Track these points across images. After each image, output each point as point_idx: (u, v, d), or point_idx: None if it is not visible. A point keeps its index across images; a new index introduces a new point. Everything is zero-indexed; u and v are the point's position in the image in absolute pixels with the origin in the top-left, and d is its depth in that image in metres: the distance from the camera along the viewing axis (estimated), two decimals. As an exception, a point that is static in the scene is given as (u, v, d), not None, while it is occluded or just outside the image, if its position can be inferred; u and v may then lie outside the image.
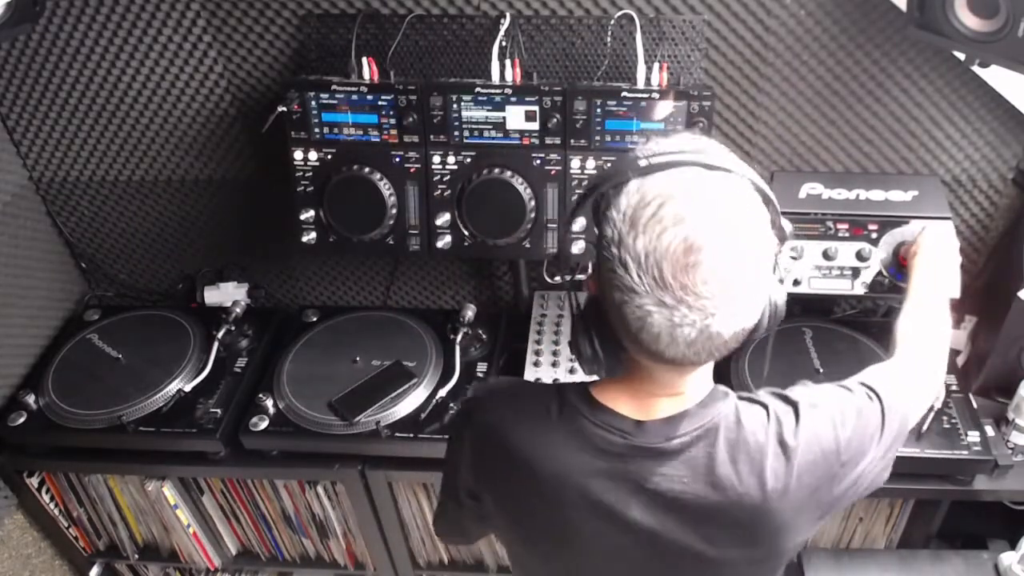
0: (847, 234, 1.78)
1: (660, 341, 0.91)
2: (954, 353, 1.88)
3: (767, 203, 0.96)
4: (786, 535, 1.06)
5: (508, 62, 1.70)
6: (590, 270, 1.08)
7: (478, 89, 1.69)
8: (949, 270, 1.53)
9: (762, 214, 0.94)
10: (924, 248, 1.57)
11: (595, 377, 1.07)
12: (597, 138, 1.70)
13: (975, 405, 1.73)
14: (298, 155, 1.78)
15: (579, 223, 1.78)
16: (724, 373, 1.80)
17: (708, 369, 1.04)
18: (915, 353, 1.29)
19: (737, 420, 1.03)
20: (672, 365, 0.96)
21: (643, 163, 0.93)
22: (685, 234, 0.87)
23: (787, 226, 1.00)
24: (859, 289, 1.75)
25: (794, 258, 1.76)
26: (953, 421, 1.68)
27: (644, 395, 1.04)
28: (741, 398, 1.07)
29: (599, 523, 1.06)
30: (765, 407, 1.05)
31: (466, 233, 1.81)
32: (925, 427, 1.66)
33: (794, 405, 1.06)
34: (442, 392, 1.82)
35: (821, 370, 1.79)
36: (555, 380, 1.84)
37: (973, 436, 1.65)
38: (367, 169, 1.77)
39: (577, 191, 1.76)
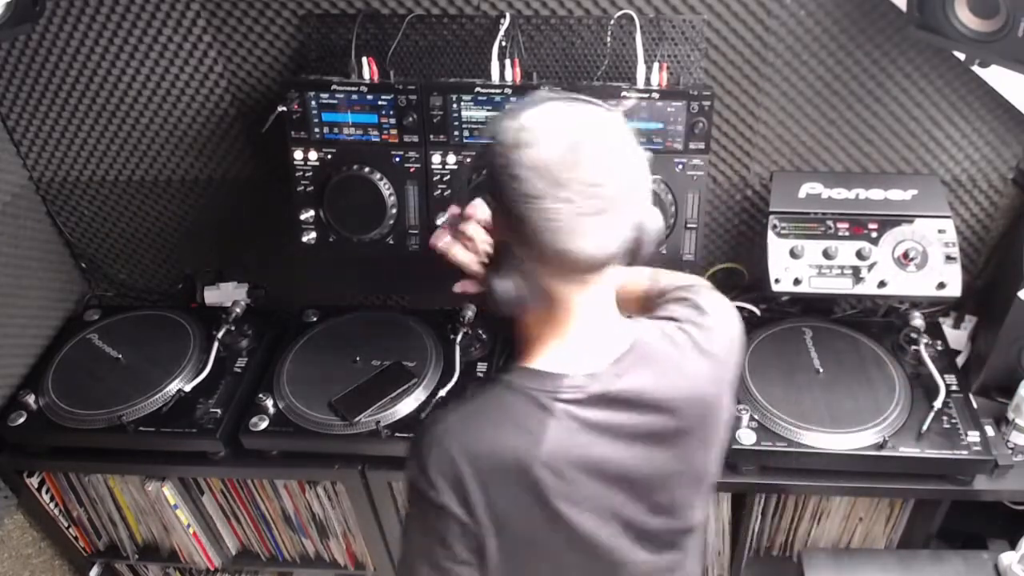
0: (847, 233, 1.78)
1: (565, 235, 0.98)
2: (954, 353, 1.89)
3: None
4: (724, 409, 1.19)
5: (508, 62, 1.70)
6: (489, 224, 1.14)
7: (478, 89, 1.69)
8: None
9: (626, 129, 1.05)
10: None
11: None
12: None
13: (975, 405, 1.73)
14: (298, 155, 1.78)
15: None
16: (724, 373, 1.80)
17: (611, 296, 1.12)
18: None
19: (663, 336, 1.14)
20: (580, 272, 1.03)
21: (513, 113, 1.03)
22: (567, 138, 0.98)
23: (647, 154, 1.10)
24: (859, 289, 1.76)
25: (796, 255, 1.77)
26: (953, 421, 1.68)
27: (578, 347, 1.09)
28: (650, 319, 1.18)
29: (593, 484, 1.08)
30: (675, 319, 1.17)
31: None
32: (925, 427, 1.66)
33: (695, 307, 1.20)
34: (442, 392, 1.82)
35: (821, 370, 1.79)
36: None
37: (973, 436, 1.65)
38: (367, 169, 1.77)
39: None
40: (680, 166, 1.71)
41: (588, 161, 0.97)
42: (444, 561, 1.05)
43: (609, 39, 1.73)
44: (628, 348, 1.10)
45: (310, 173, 1.79)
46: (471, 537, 1.05)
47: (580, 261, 1.01)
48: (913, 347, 1.81)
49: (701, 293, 1.24)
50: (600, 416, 1.07)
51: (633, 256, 1.07)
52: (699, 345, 1.15)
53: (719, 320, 1.20)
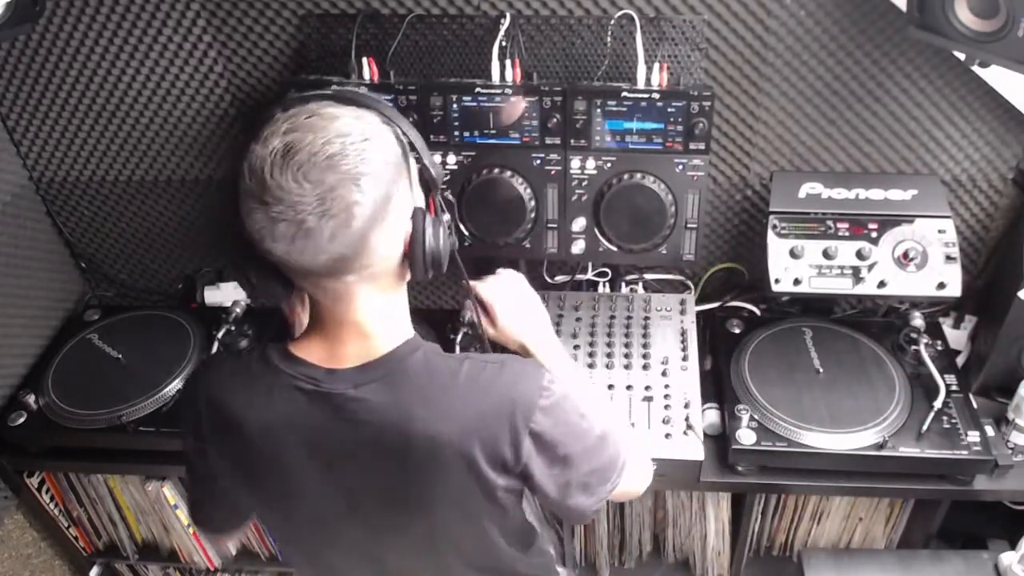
0: (847, 233, 1.78)
1: (264, 238, 0.98)
2: (954, 353, 1.89)
3: (409, 147, 1.06)
4: (463, 470, 1.09)
5: (508, 62, 1.70)
6: None
7: (478, 89, 1.69)
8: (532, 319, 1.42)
9: (383, 138, 1.02)
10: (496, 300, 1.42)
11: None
12: (597, 138, 1.70)
13: (975, 405, 1.72)
14: (298, 155, 1.78)
15: (579, 223, 1.79)
16: (724, 373, 1.80)
17: (393, 313, 1.12)
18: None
19: (427, 364, 1.10)
20: (302, 275, 1.03)
21: (290, 100, 1.03)
22: (290, 139, 0.96)
23: (435, 169, 1.10)
24: (859, 289, 1.76)
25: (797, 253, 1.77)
26: (953, 421, 1.68)
27: (333, 342, 1.10)
28: (439, 354, 1.13)
29: (311, 467, 1.13)
30: (468, 358, 1.12)
31: (466, 233, 1.81)
32: (925, 427, 1.66)
33: (502, 361, 1.13)
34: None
35: (821, 370, 1.79)
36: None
37: (973, 436, 1.65)
38: (367, 169, 1.77)
39: (577, 191, 1.76)
40: (680, 166, 1.71)
41: (294, 168, 0.94)
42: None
43: (609, 39, 1.73)
44: (379, 362, 1.09)
45: (310, 173, 1.79)
46: (204, 459, 1.20)
47: (287, 265, 1.01)
48: (913, 347, 1.81)
49: (514, 359, 1.16)
50: (324, 414, 1.08)
51: (411, 267, 1.08)
52: (461, 390, 1.08)
53: (505, 383, 1.10)
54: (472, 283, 1.39)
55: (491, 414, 1.08)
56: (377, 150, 1.00)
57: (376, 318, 1.10)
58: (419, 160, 1.09)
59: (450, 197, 1.11)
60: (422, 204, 1.11)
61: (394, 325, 1.13)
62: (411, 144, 1.07)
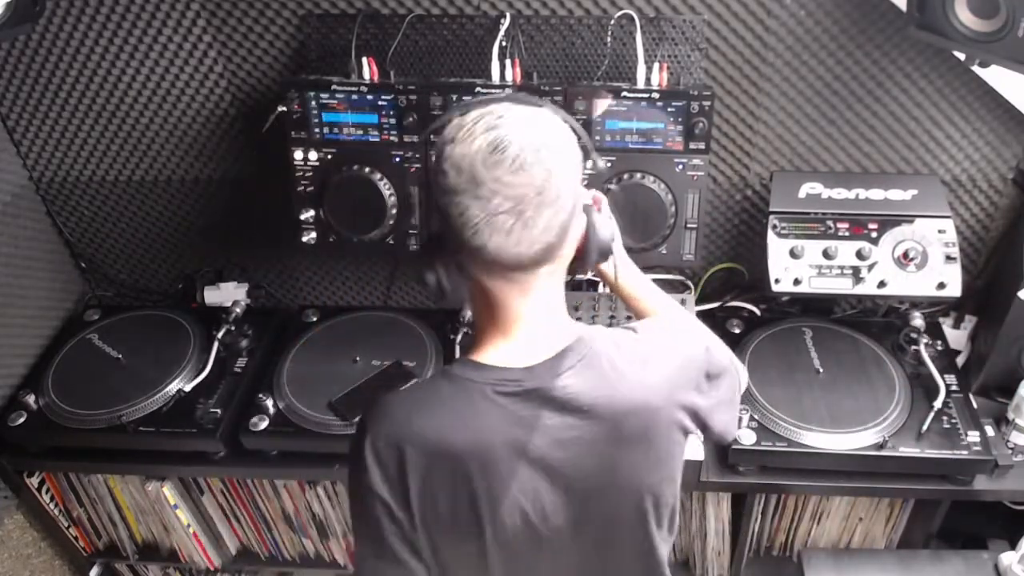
0: (847, 233, 1.78)
1: (481, 232, 0.99)
2: (954, 353, 1.89)
3: (576, 134, 1.08)
4: (674, 427, 1.16)
5: (508, 62, 1.70)
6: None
7: (478, 89, 1.69)
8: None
9: (567, 133, 1.06)
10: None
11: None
12: (597, 138, 1.70)
13: (975, 405, 1.72)
14: (298, 155, 1.78)
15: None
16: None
17: (562, 302, 1.13)
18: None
19: (612, 342, 1.13)
20: (505, 270, 1.04)
21: (462, 106, 1.07)
22: (492, 136, 0.99)
23: (599, 162, 1.14)
24: (859, 289, 1.76)
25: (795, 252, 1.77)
26: (953, 421, 1.68)
27: (521, 339, 1.10)
28: (612, 329, 1.19)
29: (521, 479, 1.09)
30: (634, 329, 1.19)
31: (466, 233, 1.81)
32: (925, 427, 1.66)
33: (659, 323, 1.24)
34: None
35: (821, 370, 1.79)
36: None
37: (973, 436, 1.65)
38: (367, 169, 1.77)
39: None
40: (680, 166, 1.71)
41: (508, 161, 0.98)
42: (383, 557, 1.10)
43: (609, 39, 1.73)
44: (569, 348, 1.10)
45: (310, 173, 1.79)
46: (400, 525, 1.09)
47: (496, 258, 1.02)
48: (913, 347, 1.81)
49: (671, 309, 1.29)
50: (533, 412, 1.08)
51: (580, 261, 1.13)
52: (648, 358, 1.14)
53: (679, 338, 1.21)
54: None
55: (681, 371, 1.16)
56: (570, 144, 1.05)
57: (557, 307, 1.13)
58: (587, 156, 1.12)
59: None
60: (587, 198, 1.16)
61: (565, 313, 1.15)
62: (582, 142, 1.10)
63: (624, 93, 1.66)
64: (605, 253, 1.17)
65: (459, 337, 1.92)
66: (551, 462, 1.10)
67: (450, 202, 1.00)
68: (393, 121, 1.73)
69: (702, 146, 1.69)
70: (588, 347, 1.11)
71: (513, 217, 0.98)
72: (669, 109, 1.66)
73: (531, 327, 1.10)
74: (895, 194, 1.80)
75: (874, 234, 1.78)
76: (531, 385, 1.08)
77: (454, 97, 1.69)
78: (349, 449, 1.12)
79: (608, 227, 1.17)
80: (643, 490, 1.16)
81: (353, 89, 1.72)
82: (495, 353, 1.10)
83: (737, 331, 1.91)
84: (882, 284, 1.75)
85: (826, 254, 1.76)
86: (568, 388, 1.08)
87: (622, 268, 1.32)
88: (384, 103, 1.72)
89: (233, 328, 2.00)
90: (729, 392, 1.24)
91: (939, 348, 1.84)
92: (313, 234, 1.84)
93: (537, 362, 1.09)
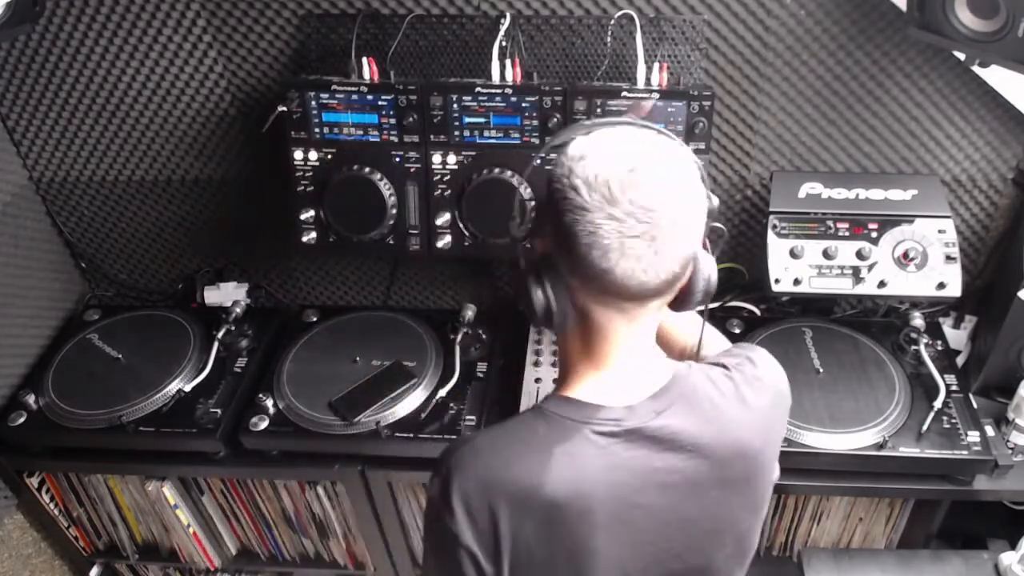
0: (847, 233, 1.78)
1: (611, 254, 0.95)
2: (954, 353, 1.89)
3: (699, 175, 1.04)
4: (769, 468, 1.15)
5: (508, 62, 1.70)
6: (534, 234, 1.12)
7: (478, 89, 1.69)
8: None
9: (696, 167, 1.02)
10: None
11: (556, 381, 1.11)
12: (597, 138, 1.70)
13: (975, 405, 1.72)
14: (298, 155, 1.78)
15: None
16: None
17: (653, 336, 1.09)
18: None
19: (707, 379, 1.10)
20: (621, 298, 0.99)
21: (586, 128, 1.03)
22: (628, 158, 0.96)
23: (713, 199, 1.07)
24: (859, 289, 1.76)
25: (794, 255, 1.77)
26: (953, 421, 1.68)
27: (620, 375, 1.06)
28: (703, 367, 1.14)
29: (620, 524, 1.04)
30: (723, 366, 1.13)
31: (466, 233, 1.81)
32: (925, 427, 1.66)
33: (747, 359, 1.17)
34: (442, 392, 1.82)
35: (821, 370, 1.79)
36: (555, 379, 1.84)
37: (973, 436, 1.65)
38: (367, 169, 1.77)
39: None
40: (680, 166, 1.71)
41: (645, 185, 0.94)
42: None
43: (609, 39, 1.73)
44: (668, 386, 1.06)
45: (310, 173, 1.79)
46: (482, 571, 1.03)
47: (621, 284, 0.97)
48: (913, 347, 1.82)
49: (753, 348, 1.21)
50: (635, 453, 1.02)
51: (682, 300, 1.06)
52: (745, 395, 1.10)
53: (768, 374, 1.16)
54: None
55: (775, 408, 1.15)
56: (699, 178, 1.01)
57: (653, 343, 1.09)
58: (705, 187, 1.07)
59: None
60: None
61: (659, 349, 1.12)
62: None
63: (624, 93, 1.66)
64: (709, 294, 1.08)
65: (459, 337, 1.92)
66: (653, 508, 1.05)
67: (579, 219, 0.95)
68: (393, 121, 1.74)
69: (702, 146, 1.69)
70: (686, 385, 1.07)
71: (646, 243, 0.94)
72: (669, 109, 1.66)
73: (628, 362, 1.06)
74: (895, 194, 1.80)
75: (874, 234, 1.78)
76: (631, 425, 1.02)
77: (454, 97, 1.69)
78: (432, 490, 1.04)
79: (714, 268, 1.08)
80: (737, 536, 1.13)
81: (353, 89, 1.72)
82: (590, 389, 1.05)
83: (737, 331, 1.91)
84: (882, 284, 1.75)
85: (826, 254, 1.76)
86: (670, 428, 1.03)
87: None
88: (384, 103, 1.72)
89: (233, 328, 2.00)
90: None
91: (939, 348, 1.84)
92: (313, 234, 1.84)
93: (636, 400, 1.04)
